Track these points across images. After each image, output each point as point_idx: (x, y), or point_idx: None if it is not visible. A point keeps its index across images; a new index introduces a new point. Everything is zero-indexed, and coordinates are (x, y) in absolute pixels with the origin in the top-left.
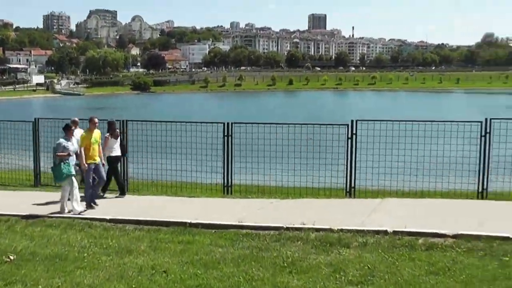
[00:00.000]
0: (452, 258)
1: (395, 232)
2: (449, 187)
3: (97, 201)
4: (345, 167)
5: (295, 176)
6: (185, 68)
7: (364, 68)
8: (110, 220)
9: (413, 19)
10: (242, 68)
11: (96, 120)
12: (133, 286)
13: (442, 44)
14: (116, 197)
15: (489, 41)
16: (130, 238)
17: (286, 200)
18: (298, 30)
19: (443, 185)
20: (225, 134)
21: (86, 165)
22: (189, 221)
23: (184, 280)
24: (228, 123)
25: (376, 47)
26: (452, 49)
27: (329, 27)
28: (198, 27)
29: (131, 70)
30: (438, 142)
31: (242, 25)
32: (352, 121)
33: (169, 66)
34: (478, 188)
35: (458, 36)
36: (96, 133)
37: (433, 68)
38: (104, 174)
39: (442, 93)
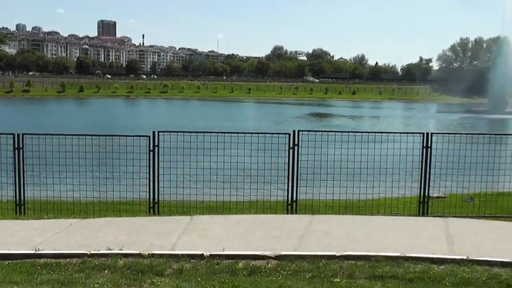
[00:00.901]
0: (279, 283)
1: (212, 256)
2: (257, 199)
3: None
4: (148, 180)
5: (93, 192)
6: None
7: (155, 77)
8: None
9: (203, 29)
10: (30, 73)
11: None
12: None
13: (233, 54)
14: None
15: (278, 53)
16: None
17: (87, 220)
18: (88, 36)
19: (251, 198)
20: (15, 146)
21: None
22: None
23: None
24: (18, 134)
25: (167, 56)
26: (242, 59)
27: (119, 34)
28: None
29: None
30: (245, 154)
31: (29, 28)
32: (153, 132)
33: None
34: (288, 200)
35: (248, 47)
36: None
37: (225, 77)
38: None
39: (234, 102)
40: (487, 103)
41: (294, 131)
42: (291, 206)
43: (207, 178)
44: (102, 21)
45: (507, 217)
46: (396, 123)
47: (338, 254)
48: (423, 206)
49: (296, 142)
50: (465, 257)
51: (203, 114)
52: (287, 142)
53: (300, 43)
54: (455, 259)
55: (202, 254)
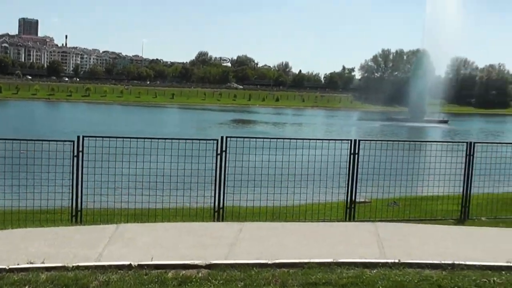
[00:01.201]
0: None
1: (141, 266)
2: (184, 206)
3: None
4: (71, 187)
5: (12, 200)
6: None
7: (78, 79)
8: None
9: (128, 32)
10: None
11: None
12: None
13: (157, 59)
14: None
15: (203, 59)
16: None
17: (4, 232)
18: (8, 34)
19: (177, 205)
20: None
21: None
22: None
23: None
24: None
25: (90, 58)
26: (167, 64)
27: (41, 33)
28: None
29: None
30: (172, 160)
31: None
32: (78, 137)
33: None
34: (215, 207)
35: (172, 52)
36: None
37: (148, 82)
38: None
39: (157, 108)
40: (407, 111)
41: (222, 137)
42: (218, 213)
43: (132, 185)
44: (23, 19)
45: (431, 220)
46: (319, 130)
47: (270, 262)
48: (350, 211)
49: (223, 148)
50: (396, 261)
51: (126, 119)
52: (215, 148)
53: (225, 49)
54: (387, 262)
55: (130, 264)
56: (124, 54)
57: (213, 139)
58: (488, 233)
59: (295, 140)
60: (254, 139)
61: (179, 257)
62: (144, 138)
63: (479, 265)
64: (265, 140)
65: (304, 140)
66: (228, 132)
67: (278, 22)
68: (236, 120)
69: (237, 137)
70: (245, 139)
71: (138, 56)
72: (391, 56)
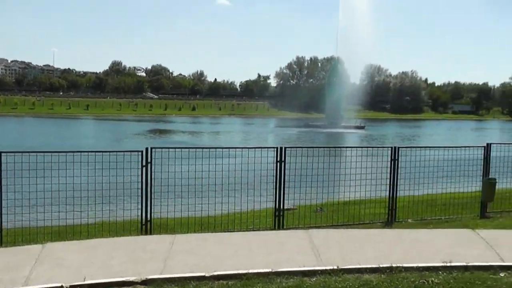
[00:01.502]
0: None
1: (73, 287)
2: (110, 220)
3: None
4: None
5: None
6: None
7: None
8: None
9: (37, 41)
10: None
11: None
12: None
13: (69, 69)
14: None
15: (117, 69)
16: None
17: None
18: None
19: (103, 219)
20: None
21: None
22: None
23: None
24: None
25: None
26: (79, 74)
27: None
28: None
29: None
30: (96, 173)
31: None
32: None
33: None
34: (142, 219)
35: (85, 61)
36: None
37: (61, 93)
38: None
39: (72, 119)
40: (324, 118)
41: (146, 149)
42: (146, 226)
43: (55, 201)
44: None
45: (359, 224)
46: (237, 138)
47: (208, 274)
48: (279, 219)
49: (148, 160)
50: (335, 267)
51: (39, 132)
52: (139, 160)
53: (139, 59)
54: (325, 270)
55: (61, 286)
56: (34, 63)
57: (138, 151)
58: (420, 235)
59: (220, 149)
60: (180, 149)
61: (113, 274)
62: (66, 152)
63: (416, 266)
64: (190, 150)
65: (230, 149)
66: (147, 143)
67: (191, 30)
68: (154, 130)
69: (162, 148)
70: (170, 150)
71: (49, 65)
72: (306, 64)
